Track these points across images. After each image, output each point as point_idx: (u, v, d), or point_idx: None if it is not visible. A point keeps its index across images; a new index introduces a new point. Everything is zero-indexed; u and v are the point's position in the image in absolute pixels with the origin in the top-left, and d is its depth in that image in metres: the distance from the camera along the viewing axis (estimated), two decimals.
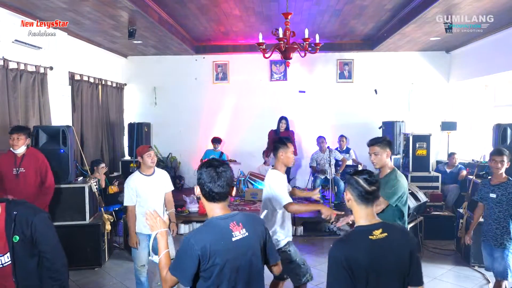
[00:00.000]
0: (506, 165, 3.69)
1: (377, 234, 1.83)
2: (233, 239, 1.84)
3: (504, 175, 3.71)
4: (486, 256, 3.82)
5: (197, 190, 1.95)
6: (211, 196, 1.88)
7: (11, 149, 4.14)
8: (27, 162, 4.16)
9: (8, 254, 2.10)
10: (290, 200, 3.32)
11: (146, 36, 6.72)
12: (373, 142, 3.30)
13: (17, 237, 2.08)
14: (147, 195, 3.73)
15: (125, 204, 3.80)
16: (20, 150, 4.14)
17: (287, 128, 6.97)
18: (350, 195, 1.94)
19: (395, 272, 1.82)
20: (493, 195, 3.72)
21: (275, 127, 7.67)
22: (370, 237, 1.83)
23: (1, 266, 2.11)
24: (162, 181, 3.89)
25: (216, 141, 7.98)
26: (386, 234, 1.84)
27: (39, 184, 4.23)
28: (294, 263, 3.37)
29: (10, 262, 2.11)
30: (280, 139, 3.47)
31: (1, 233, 2.07)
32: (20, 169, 4.10)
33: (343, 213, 3.46)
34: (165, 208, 3.92)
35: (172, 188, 4.02)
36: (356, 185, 1.91)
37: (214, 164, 1.90)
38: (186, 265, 1.82)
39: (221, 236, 1.83)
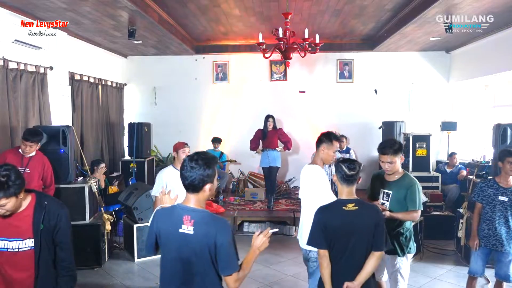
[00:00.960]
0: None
1: (350, 206, 2.46)
2: (180, 230, 1.94)
3: None
4: (481, 260, 3.69)
5: None
6: (184, 185, 2.00)
7: (20, 150, 4.17)
8: (33, 164, 4.18)
9: (27, 241, 2.20)
10: (334, 198, 3.06)
11: (146, 36, 6.73)
12: (384, 151, 3.07)
13: (43, 225, 2.20)
14: (177, 189, 3.70)
15: (152, 193, 3.89)
16: (30, 155, 4.20)
17: (274, 126, 6.89)
18: (336, 177, 2.56)
19: (361, 236, 2.43)
20: (503, 198, 3.55)
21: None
22: (344, 207, 2.46)
23: (17, 250, 2.19)
24: None
25: (216, 140, 7.98)
26: (357, 207, 2.46)
27: (40, 188, 4.23)
28: None
29: (27, 249, 2.20)
30: (328, 133, 3.22)
31: (28, 218, 2.18)
32: (26, 169, 4.11)
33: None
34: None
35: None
36: (340, 169, 2.51)
37: (193, 158, 1.99)
38: (148, 235, 2.09)
39: (172, 223, 1.97)
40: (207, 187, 2.00)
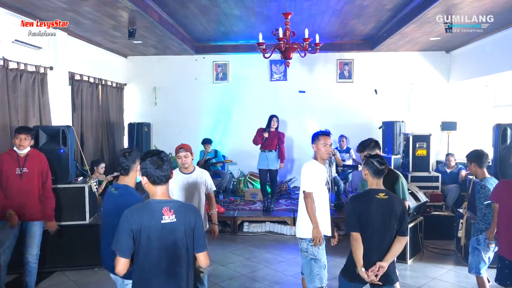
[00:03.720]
0: (472, 167, 3.86)
1: (381, 195, 2.80)
2: (162, 221, 2.19)
3: (483, 175, 3.84)
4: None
5: (144, 179, 2.26)
6: (159, 179, 2.23)
7: (14, 148, 4.10)
8: (30, 162, 4.12)
9: None
10: (313, 190, 3.30)
11: (146, 36, 6.72)
12: (361, 149, 3.46)
13: None
14: (181, 192, 3.66)
15: None
16: (25, 150, 4.12)
17: (277, 127, 6.75)
18: (367, 171, 2.87)
19: (390, 222, 2.77)
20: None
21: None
22: (376, 196, 2.80)
23: None
24: (201, 181, 3.77)
25: (207, 141, 7.86)
26: (387, 196, 2.81)
27: (41, 185, 4.21)
28: (318, 263, 3.25)
29: None
30: (315, 132, 3.51)
31: None
32: (23, 169, 4.06)
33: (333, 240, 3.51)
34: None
35: (214, 188, 3.92)
36: (371, 165, 2.84)
37: (155, 152, 2.29)
38: (123, 237, 2.16)
39: (153, 216, 2.19)
40: (173, 172, 2.38)
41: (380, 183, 2.87)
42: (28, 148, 4.15)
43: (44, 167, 4.23)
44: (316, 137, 3.46)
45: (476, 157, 3.85)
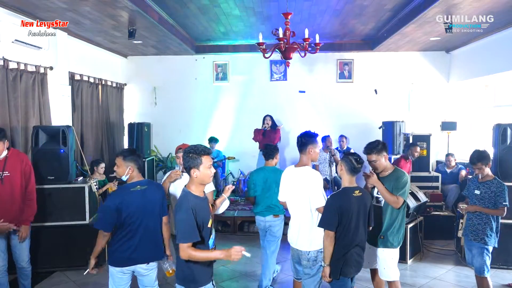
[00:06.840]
0: (485, 168, 3.84)
1: (357, 193, 2.97)
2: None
3: (490, 174, 3.89)
4: (467, 251, 4.02)
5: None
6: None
7: None
8: (11, 164, 3.79)
9: None
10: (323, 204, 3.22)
11: (146, 36, 6.72)
12: (369, 151, 3.42)
13: None
14: (177, 192, 3.66)
15: None
16: (3, 154, 3.79)
17: (273, 125, 6.77)
18: (343, 167, 3.00)
19: (364, 216, 2.98)
20: (477, 192, 3.91)
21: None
22: (353, 194, 2.95)
23: None
24: None
25: (213, 140, 7.88)
26: (361, 193, 2.99)
27: (25, 188, 3.92)
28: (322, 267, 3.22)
29: None
30: (310, 134, 3.33)
31: None
32: (4, 173, 3.75)
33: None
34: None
35: (213, 188, 3.82)
36: (349, 162, 2.97)
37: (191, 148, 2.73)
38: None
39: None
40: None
41: (353, 180, 2.99)
42: (6, 151, 3.82)
43: (26, 168, 3.93)
44: (315, 140, 3.28)
45: (488, 157, 3.90)
